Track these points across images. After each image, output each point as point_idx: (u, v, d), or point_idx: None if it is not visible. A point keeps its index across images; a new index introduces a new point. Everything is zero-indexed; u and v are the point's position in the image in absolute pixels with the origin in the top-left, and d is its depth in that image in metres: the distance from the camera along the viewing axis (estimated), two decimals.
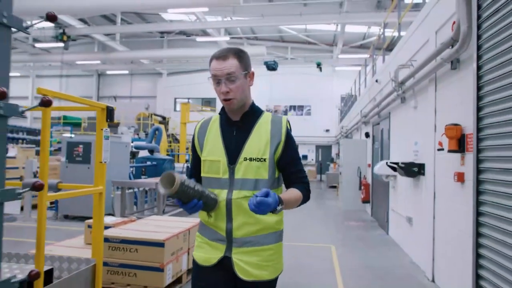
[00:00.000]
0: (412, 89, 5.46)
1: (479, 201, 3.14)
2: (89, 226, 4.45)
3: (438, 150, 4.20)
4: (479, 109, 3.18)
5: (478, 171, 3.16)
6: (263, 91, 24.85)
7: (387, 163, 6.09)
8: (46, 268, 2.08)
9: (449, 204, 4.01)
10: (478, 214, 3.14)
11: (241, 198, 1.62)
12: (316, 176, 23.27)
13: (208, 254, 1.69)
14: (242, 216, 1.62)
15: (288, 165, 1.71)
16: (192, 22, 17.88)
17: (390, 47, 10.06)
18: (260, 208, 1.39)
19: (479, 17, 3.21)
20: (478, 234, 3.15)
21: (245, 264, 1.63)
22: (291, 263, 5.29)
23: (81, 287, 2.38)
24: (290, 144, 1.71)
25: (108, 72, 27.66)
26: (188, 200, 1.47)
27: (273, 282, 1.71)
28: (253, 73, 1.72)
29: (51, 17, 1.42)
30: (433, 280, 4.48)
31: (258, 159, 1.63)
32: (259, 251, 1.65)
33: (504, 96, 2.83)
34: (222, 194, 1.64)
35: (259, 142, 1.65)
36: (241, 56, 1.66)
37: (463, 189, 3.56)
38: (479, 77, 3.18)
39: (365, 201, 9.80)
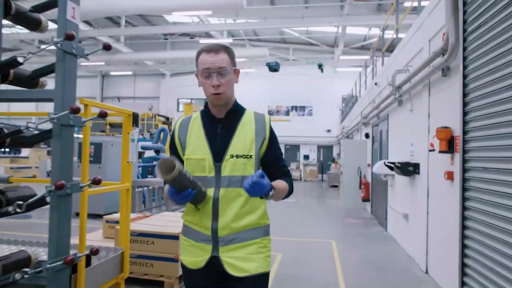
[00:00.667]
0: (408, 93, 5.80)
1: (464, 197, 3.48)
2: (107, 221, 4.82)
3: (430, 151, 4.54)
4: (465, 114, 3.51)
5: (464, 170, 3.50)
6: (265, 92, 25.20)
7: (385, 162, 6.42)
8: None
9: (440, 201, 4.34)
10: (463, 208, 3.48)
11: (228, 196, 1.63)
12: (318, 176, 23.60)
13: (195, 257, 1.69)
14: (228, 214, 1.63)
15: (273, 161, 1.75)
16: (196, 24, 18.24)
17: (390, 49, 10.37)
18: (254, 188, 1.43)
19: (464, 30, 3.55)
20: (463, 227, 3.49)
21: (233, 260, 1.63)
22: (293, 256, 5.63)
23: (112, 271, 2.72)
24: (274, 141, 1.75)
25: (112, 73, 28.05)
26: (182, 188, 1.48)
27: (264, 277, 1.69)
28: (239, 71, 1.74)
29: (107, 47, 1.76)
30: (426, 272, 4.81)
31: (244, 156, 1.64)
32: (245, 246, 1.66)
33: (487, 103, 3.16)
34: (208, 193, 1.64)
35: (245, 139, 1.66)
36: (230, 52, 1.68)
37: (452, 187, 3.89)
38: (464, 85, 3.52)
39: (365, 199, 10.13)
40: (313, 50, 24.24)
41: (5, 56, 1.88)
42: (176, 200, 1.52)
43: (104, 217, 4.83)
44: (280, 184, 1.68)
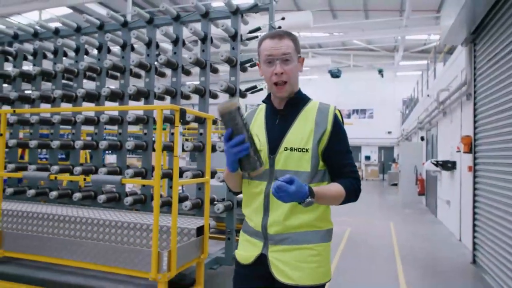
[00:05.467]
0: (449, 107, 7.53)
1: (475, 182, 5.31)
2: None
3: (457, 152, 6.33)
4: (475, 127, 5.33)
5: (475, 164, 5.32)
6: (327, 96, 26.75)
7: (431, 161, 8.16)
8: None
9: (466, 187, 6.12)
10: (474, 189, 5.31)
11: None
12: (378, 176, 24.91)
13: (247, 251, 1.62)
14: (279, 210, 1.52)
15: (334, 157, 1.55)
16: None
17: (451, 51, 11.57)
18: (278, 193, 1.30)
19: (474, 70, 5.37)
20: (474, 201, 5.31)
21: (282, 264, 1.52)
22: (358, 230, 7.63)
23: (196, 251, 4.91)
24: (337, 134, 1.55)
25: None
26: (236, 132, 1.36)
27: None
28: (303, 59, 1.63)
29: None
30: (460, 240, 6.58)
31: (300, 149, 1.51)
32: (297, 250, 1.52)
33: (489, 121, 4.98)
34: (261, 186, 1.54)
35: (303, 131, 1.53)
36: (295, 39, 1.58)
37: (470, 176, 5.69)
38: (475, 107, 5.34)
39: (421, 194, 11.71)
40: (373, 55, 25.36)
41: None
42: (228, 152, 1.41)
43: None
44: (328, 189, 1.50)
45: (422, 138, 12.20)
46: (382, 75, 23.80)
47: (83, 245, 2.89)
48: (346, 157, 1.57)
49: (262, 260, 1.56)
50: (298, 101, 1.61)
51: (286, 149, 1.52)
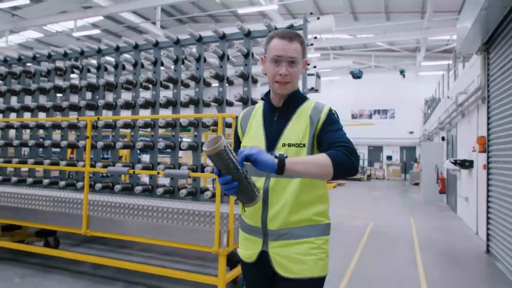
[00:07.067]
0: (467, 109, 7.97)
1: (489, 178, 5.80)
2: None
3: (473, 151, 6.80)
4: (489, 128, 5.82)
5: (488, 163, 5.81)
6: (349, 97, 27.11)
7: (450, 160, 8.60)
8: None
9: (481, 184, 6.60)
10: (488, 185, 5.80)
11: (279, 186, 1.54)
12: (400, 175, 25.10)
13: (248, 250, 1.65)
14: (278, 205, 1.53)
15: (324, 138, 1.52)
16: None
17: (469, 55, 11.88)
18: (240, 156, 1.30)
19: (488, 76, 5.85)
20: (488, 196, 5.80)
21: (283, 259, 1.55)
22: (380, 224, 8.17)
23: None
24: (329, 121, 1.55)
25: None
26: (225, 171, 1.32)
27: (314, 282, 1.55)
28: (306, 62, 1.67)
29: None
30: (476, 233, 7.04)
31: (297, 145, 1.53)
32: (297, 244, 1.54)
33: (501, 123, 5.47)
34: (258, 183, 1.55)
35: (299, 127, 1.56)
36: (303, 42, 1.59)
37: (485, 174, 6.17)
38: (488, 111, 5.83)
39: (442, 192, 12.09)
40: (394, 56, 25.45)
41: None
42: (221, 187, 1.35)
43: None
44: (306, 157, 1.47)
45: (443, 138, 12.57)
46: (403, 76, 24.01)
47: (158, 227, 3.61)
48: (337, 133, 1.51)
49: (263, 257, 1.59)
50: (296, 99, 1.63)
51: (284, 145, 1.55)
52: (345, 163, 1.39)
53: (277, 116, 1.62)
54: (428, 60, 22.83)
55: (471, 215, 7.64)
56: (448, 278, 4.75)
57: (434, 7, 14.49)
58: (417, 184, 19.00)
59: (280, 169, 1.31)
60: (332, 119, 1.56)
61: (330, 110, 1.60)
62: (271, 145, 1.57)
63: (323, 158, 1.37)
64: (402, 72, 23.64)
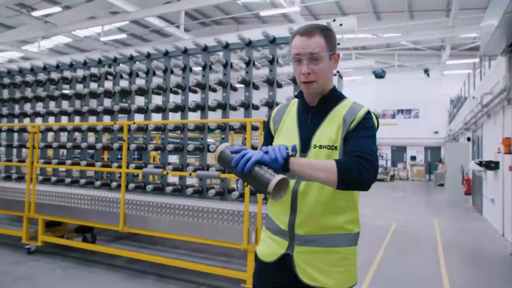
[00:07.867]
0: (492, 110, 7.90)
1: None
2: None
3: (498, 152, 6.75)
4: None
5: None
6: (371, 97, 26.73)
7: (475, 161, 8.53)
8: None
9: (508, 186, 6.55)
10: None
11: (309, 190, 1.46)
12: (425, 176, 24.69)
13: (269, 249, 1.57)
14: (307, 210, 1.46)
15: (348, 143, 1.44)
16: None
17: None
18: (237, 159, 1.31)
19: None
20: None
21: (307, 266, 1.47)
22: (403, 224, 8.20)
23: None
24: (360, 127, 1.45)
25: None
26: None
27: None
28: (338, 55, 1.53)
29: None
30: (503, 235, 6.99)
31: (329, 147, 1.45)
32: (324, 253, 1.47)
33: None
34: (289, 185, 1.43)
35: (331, 128, 1.47)
36: (328, 34, 1.47)
37: (510, 176, 6.14)
38: None
39: (467, 193, 11.93)
40: (418, 55, 24.96)
41: None
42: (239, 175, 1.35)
43: None
44: (313, 160, 1.40)
45: (468, 139, 12.39)
46: (428, 75, 23.58)
47: (189, 224, 3.84)
48: (361, 141, 1.41)
49: (285, 259, 1.52)
50: (332, 99, 1.55)
51: (315, 146, 1.47)
52: (352, 176, 1.31)
53: (311, 116, 1.55)
54: (454, 59, 22.31)
55: (497, 217, 7.57)
56: (472, 279, 4.80)
57: (460, 4, 14.25)
58: (442, 185, 18.69)
59: (284, 167, 1.32)
60: (364, 123, 1.46)
61: (367, 113, 1.50)
62: (305, 146, 1.50)
63: (329, 165, 1.33)
64: (426, 71, 23.23)
